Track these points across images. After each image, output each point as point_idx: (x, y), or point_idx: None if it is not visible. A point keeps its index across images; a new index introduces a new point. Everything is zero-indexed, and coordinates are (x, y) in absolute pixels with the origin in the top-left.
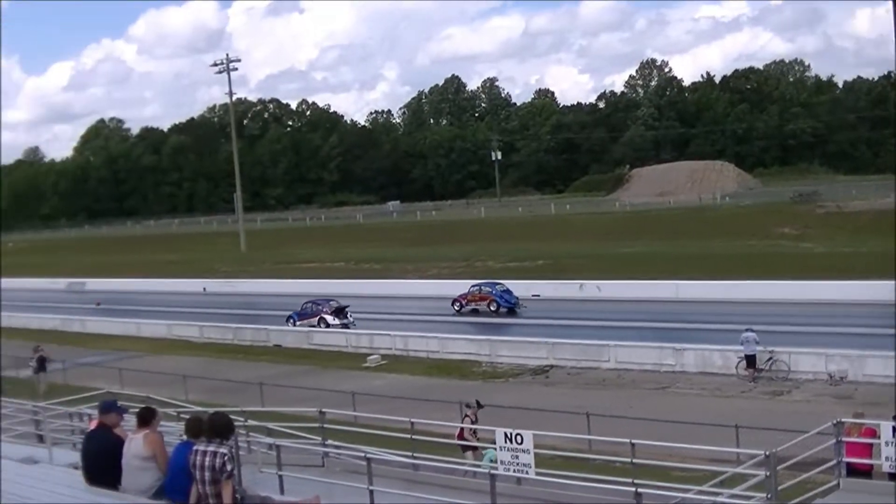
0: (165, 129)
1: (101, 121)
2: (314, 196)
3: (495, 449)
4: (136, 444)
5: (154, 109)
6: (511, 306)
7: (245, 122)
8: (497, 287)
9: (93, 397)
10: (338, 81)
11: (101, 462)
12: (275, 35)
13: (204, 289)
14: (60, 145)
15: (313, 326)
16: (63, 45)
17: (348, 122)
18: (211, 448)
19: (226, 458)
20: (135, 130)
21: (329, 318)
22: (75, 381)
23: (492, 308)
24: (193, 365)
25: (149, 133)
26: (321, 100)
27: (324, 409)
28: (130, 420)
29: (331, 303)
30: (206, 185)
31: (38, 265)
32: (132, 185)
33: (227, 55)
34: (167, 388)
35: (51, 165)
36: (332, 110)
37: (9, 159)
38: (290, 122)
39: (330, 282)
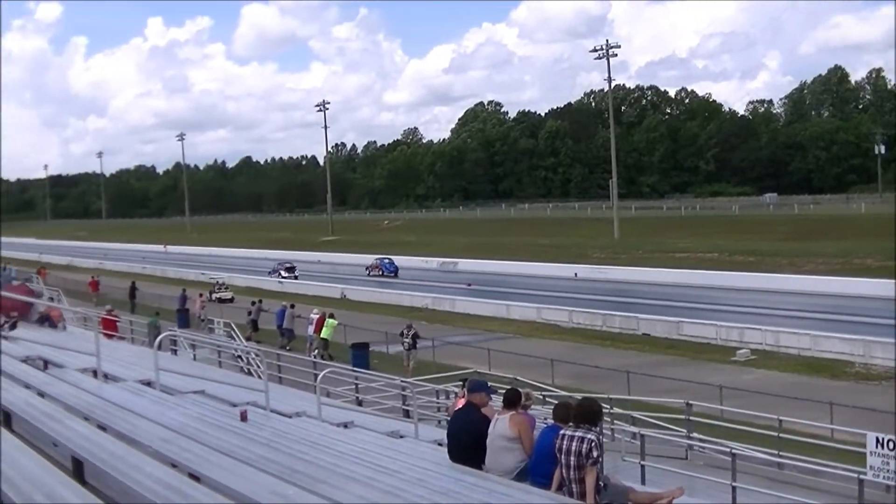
0: (542, 114)
1: (480, 103)
2: (689, 185)
3: None
4: (501, 425)
5: (532, 93)
6: (392, 272)
7: (623, 108)
8: (384, 260)
9: (459, 376)
10: (718, 69)
11: (466, 440)
12: (655, 22)
13: (575, 274)
14: (439, 127)
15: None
16: (445, 28)
17: (727, 110)
18: (578, 434)
19: (592, 444)
20: (512, 114)
21: (283, 273)
22: (443, 359)
23: (381, 273)
24: (561, 349)
25: (526, 117)
26: (700, 88)
27: (690, 402)
28: (496, 402)
29: (286, 264)
30: (580, 170)
31: (412, 244)
32: (507, 168)
33: (607, 41)
34: (534, 370)
35: (428, 146)
36: (710, 98)
37: (387, 139)
38: (668, 110)
39: (701, 272)
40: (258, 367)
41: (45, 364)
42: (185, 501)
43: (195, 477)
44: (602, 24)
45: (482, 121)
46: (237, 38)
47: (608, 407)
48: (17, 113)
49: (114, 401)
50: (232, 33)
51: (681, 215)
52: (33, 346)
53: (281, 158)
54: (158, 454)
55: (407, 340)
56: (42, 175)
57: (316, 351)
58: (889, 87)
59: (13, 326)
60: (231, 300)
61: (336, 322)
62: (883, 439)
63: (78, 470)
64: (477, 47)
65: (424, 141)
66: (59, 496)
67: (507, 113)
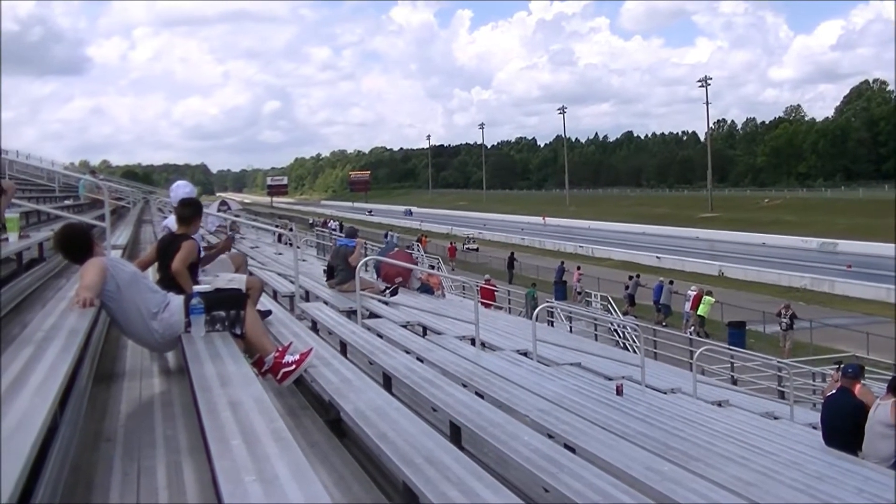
0: None
1: (865, 82)
2: None
3: None
4: (882, 411)
5: None
6: (410, 214)
7: None
8: (408, 209)
9: (837, 359)
10: None
11: (841, 425)
12: None
13: None
14: (823, 105)
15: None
16: (832, 3)
17: None
18: None
19: None
20: None
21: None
22: (820, 341)
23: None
24: None
25: None
26: None
27: None
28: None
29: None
30: None
31: (792, 223)
32: (891, 149)
33: None
34: None
35: (811, 124)
36: None
37: (769, 116)
38: None
39: None
40: (634, 341)
41: (424, 330)
42: (560, 472)
43: (570, 448)
44: None
45: (866, 99)
46: (623, 11)
47: None
48: (403, 84)
49: (492, 369)
50: (618, 7)
51: None
52: (412, 312)
53: (662, 133)
54: (535, 424)
55: (784, 321)
56: (424, 145)
57: (692, 328)
58: None
59: (394, 292)
60: (476, 251)
61: (713, 299)
62: None
63: (455, 435)
64: (866, 24)
65: (807, 119)
66: (437, 459)
67: (893, 92)
